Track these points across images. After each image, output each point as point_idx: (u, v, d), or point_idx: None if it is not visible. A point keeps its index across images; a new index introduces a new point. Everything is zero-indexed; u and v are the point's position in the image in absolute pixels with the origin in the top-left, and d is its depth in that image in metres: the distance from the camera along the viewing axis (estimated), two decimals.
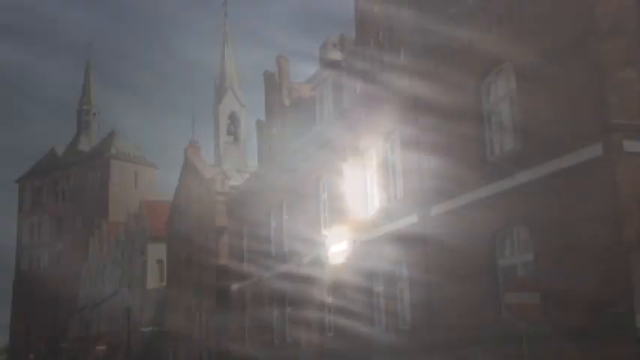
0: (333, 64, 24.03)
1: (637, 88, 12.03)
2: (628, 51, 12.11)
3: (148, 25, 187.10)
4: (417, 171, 17.35)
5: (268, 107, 29.47)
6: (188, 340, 41.02)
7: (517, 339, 12.38)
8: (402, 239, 17.99)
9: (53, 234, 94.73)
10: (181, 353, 42.68)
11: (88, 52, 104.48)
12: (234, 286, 32.20)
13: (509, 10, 14.09)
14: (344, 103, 21.88)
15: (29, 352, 79.71)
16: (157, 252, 51.84)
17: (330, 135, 22.52)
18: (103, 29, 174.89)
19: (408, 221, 17.76)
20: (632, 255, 11.33)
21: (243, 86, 49.85)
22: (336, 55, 25.33)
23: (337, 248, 21.54)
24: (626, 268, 11.30)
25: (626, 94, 11.92)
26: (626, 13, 12.24)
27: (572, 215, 12.43)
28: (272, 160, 28.13)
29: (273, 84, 28.69)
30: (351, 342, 20.26)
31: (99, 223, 78.35)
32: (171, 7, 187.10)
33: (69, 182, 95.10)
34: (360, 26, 21.06)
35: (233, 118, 48.06)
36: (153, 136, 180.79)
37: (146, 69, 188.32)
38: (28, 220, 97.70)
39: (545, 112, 13.17)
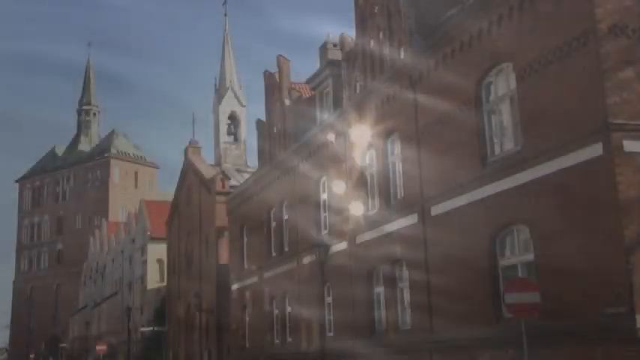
0: (333, 64, 24.04)
1: (637, 88, 12.03)
2: (628, 51, 12.10)
3: (148, 24, 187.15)
4: (417, 171, 17.35)
5: (268, 107, 29.46)
6: (188, 340, 41.02)
7: (517, 339, 12.38)
8: (402, 239, 18.00)
9: (53, 234, 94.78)
10: (181, 353, 42.68)
11: (88, 52, 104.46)
12: (234, 286, 32.20)
13: (510, 9, 14.09)
14: (344, 103, 21.88)
15: (29, 352, 79.75)
16: (157, 252, 51.88)
17: (330, 135, 22.52)
18: (103, 29, 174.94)
19: (408, 221, 17.76)
20: (632, 255, 11.33)
21: (243, 86, 49.74)
22: (336, 55, 25.32)
23: (337, 248, 21.54)
24: (626, 267, 11.29)
25: (626, 94, 11.91)
26: (626, 13, 12.23)
27: (573, 215, 12.42)
28: (272, 160, 28.13)
29: (273, 84, 28.69)
30: (352, 342, 20.26)
31: (99, 223, 78.41)
32: (171, 7, 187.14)
33: (69, 182, 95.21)
34: (360, 26, 21.05)
35: (233, 118, 48.03)
36: (153, 136, 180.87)
37: (146, 69, 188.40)
38: (28, 220, 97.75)
39: (545, 112, 13.17)
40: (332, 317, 22.32)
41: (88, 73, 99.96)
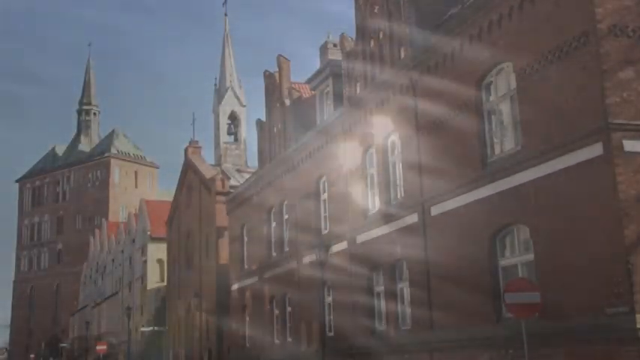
0: (333, 64, 24.04)
1: (637, 88, 12.04)
2: (628, 51, 12.11)
3: (148, 24, 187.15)
4: (417, 171, 17.35)
5: (268, 107, 29.47)
6: (188, 340, 41.03)
7: (517, 339, 12.38)
8: (402, 239, 18.00)
9: (53, 234, 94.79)
10: (181, 353, 42.68)
11: (88, 52, 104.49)
12: (234, 286, 32.21)
13: (510, 9, 14.09)
14: (344, 103, 21.88)
15: (29, 352, 79.79)
16: (157, 252, 51.86)
17: (330, 135, 22.53)
18: (103, 29, 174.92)
19: (408, 221, 17.76)
20: (632, 255, 11.33)
21: (243, 86, 49.76)
22: (336, 55, 25.31)
23: (337, 248, 21.54)
24: (626, 268, 11.30)
25: (626, 94, 11.92)
26: (626, 13, 12.24)
27: (572, 215, 12.43)
28: (272, 160, 28.13)
29: (273, 84, 28.69)
30: (352, 342, 20.26)
31: (99, 222, 78.42)
32: (171, 7, 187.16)
33: (69, 182, 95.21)
34: (360, 26, 21.05)
35: (233, 118, 48.07)
36: (153, 136, 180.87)
37: (146, 69, 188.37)
38: (28, 220, 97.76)
39: (544, 112, 13.18)
40: (332, 317, 22.33)
41: (88, 72, 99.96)
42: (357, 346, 19.94)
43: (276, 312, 27.18)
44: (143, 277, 54.29)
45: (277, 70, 28.36)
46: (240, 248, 31.72)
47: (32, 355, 76.38)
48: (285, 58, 28.24)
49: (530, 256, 13.58)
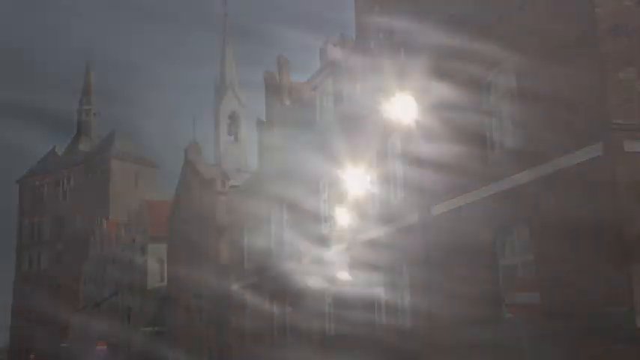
0: (333, 64, 24.04)
1: (637, 88, 12.04)
2: (628, 51, 12.11)
3: (147, 24, 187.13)
4: (418, 171, 17.35)
5: (268, 107, 29.47)
6: (188, 340, 41.03)
7: (517, 339, 12.38)
8: (402, 239, 18.00)
9: (53, 234, 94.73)
10: (181, 353, 42.69)
11: (88, 52, 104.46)
12: (234, 286, 32.20)
13: (510, 9, 14.10)
14: (344, 103, 21.88)
15: (29, 352, 79.73)
16: (157, 252, 51.85)
17: (331, 135, 22.53)
18: (103, 29, 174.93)
19: (408, 221, 17.76)
20: (632, 255, 11.33)
21: (243, 86, 49.86)
22: (336, 55, 25.32)
23: (337, 248, 21.54)
24: (627, 268, 11.29)
25: (626, 94, 11.92)
26: (626, 13, 12.24)
27: (573, 215, 12.42)
28: (272, 160, 28.13)
29: (273, 84, 28.69)
30: (352, 342, 20.27)
31: (99, 222, 78.38)
32: (171, 7, 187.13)
33: (69, 182, 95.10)
34: (360, 26, 21.06)
35: (233, 118, 48.20)
36: (153, 136, 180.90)
37: (146, 69, 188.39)
38: (28, 220, 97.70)
39: (545, 111, 13.18)
40: (332, 317, 22.33)
41: (88, 73, 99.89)
42: (357, 346, 19.94)
43: (276, 312, 27.18)
44: (143, 277, 54.29)
45: (277, 69, 28.37)
46: (240, 248, 31.73)
47: (32, 356, 76.28)
48: (286, 58, 28.26)
49: (531, 256, 13.58)
